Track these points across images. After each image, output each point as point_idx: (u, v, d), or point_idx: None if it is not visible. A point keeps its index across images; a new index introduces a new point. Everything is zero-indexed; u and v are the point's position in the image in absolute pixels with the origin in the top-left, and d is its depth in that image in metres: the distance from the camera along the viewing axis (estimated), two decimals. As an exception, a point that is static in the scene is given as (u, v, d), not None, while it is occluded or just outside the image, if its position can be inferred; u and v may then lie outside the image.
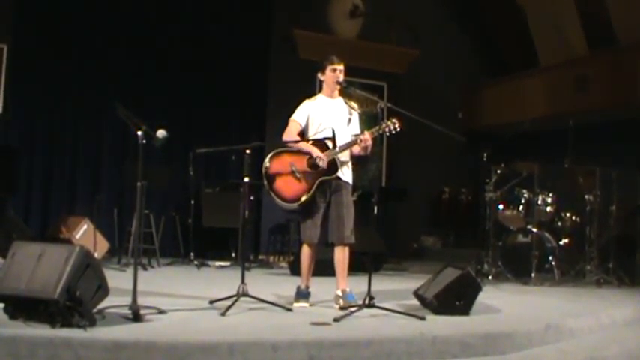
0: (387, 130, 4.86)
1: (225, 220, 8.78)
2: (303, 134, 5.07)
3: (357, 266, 5.37)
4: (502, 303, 5.34)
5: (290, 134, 5.01)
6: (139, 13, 9.63)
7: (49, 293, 3.48)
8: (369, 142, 4.84)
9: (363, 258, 5.97)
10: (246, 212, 5.14)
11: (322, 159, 4.81)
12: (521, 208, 7.79)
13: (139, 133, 4.16)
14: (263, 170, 4.89)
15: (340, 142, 4.89)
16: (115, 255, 8.31)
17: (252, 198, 8.32)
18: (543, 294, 6.42)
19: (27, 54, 8.95)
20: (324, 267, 5.36)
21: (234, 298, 4.50)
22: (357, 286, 4.95)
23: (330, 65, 5.02)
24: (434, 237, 11.78)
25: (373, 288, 4.50)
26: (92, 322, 3.56)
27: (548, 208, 7.76)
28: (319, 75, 5.12)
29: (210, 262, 8.53)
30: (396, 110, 4.94)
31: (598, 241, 7.66)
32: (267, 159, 4.91)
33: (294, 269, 7.18)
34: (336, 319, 4.16)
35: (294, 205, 4.85)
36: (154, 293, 5.06)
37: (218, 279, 7.00)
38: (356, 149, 4.96)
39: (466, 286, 4.69)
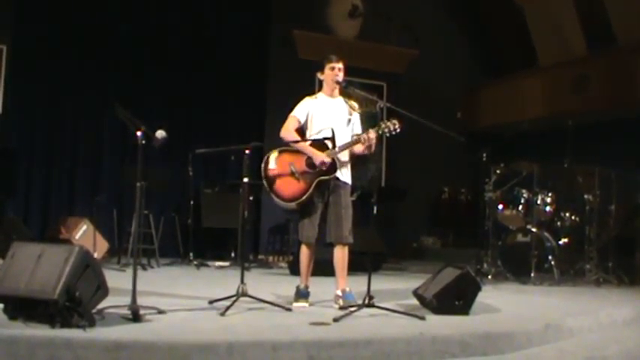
0: (386, 130, 4.86)
1: (225, 220, 8.78)
2: (301, 131, 5.07)
3: (356, 266, 5.37)
4: (502, 303, 5.34)
5: (288, 131, 5.00)
6: (139, 13, 9.64)
7: (48, 294, 3.48)
8: (373, 141, 4.83)
9: (363, 258, 5.97)
10: (246, 212, 5.13)
11: (325, 163, 4.81)
12: (520, 207, 7.79)
13: (139, 133, 4.15)
14: (262, 170, 4.89)
15: (339, 141, 4.89)
16: (115, 255, 8.31)
17: (251, 198, 8.32)
18: (543, 293, 6.43)
19: (27, 54, 8.96)
20: (323, 267, 5.36)
21: (234, 298, 4.50)
22: (357, 286, 4.94)
23: (329, 64, 5.02)
24: (433, 237, 11.79)
25: (373, 288, 4.50)
26: (91, 323, 3.56)
27: (548, 208, 7.76)
28: (319, 74, 5.12)
29: (209, 263, 8.53)
30: (395, 110, 4.93)
31: (597, 241, 7.66)
32: (265, 158, 4.91)
33: (294, 269, 7.17)
34: (335, 319, 4.15)
35: (293, 205, 4.86)
36: (153, 293, 5.05)
37: (217, 279, 7.00)
38: (359, 148, 4.95)
39: (466, 286, 4.69)
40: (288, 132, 5.00)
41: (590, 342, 4.44)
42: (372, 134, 4.82)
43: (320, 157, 4.83)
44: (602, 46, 10.27)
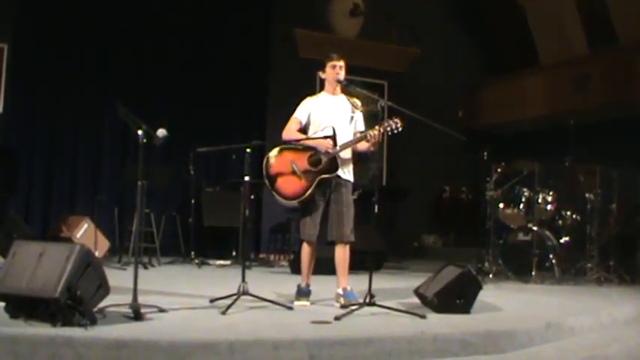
0: (389, 128, 4.86)
1: (226, 219, 8.79)
2: (303, 131, 5.07)
3: (357, 265, 5.37)
4: (503, 301, 5.34)
5: (290, 131, 5.01)
6: (139, 13, 9.63)
7: (49, 292, 3.48)
8: (379, 138, 4.83)
9: (364, 257, 5.97)
10: (247, 211, 5.13)
11: (330, 151, 4.81)
12: (521, 206, 7.79)
13: (140, 132, 4.15)
14: (264, 168, 4.89)
15: (342, 139, 4.89)
16: (116, 254, 8.32)
17: (252, 197, 8.32)
18: (544, 292, 6.42)
19: (27, 54, 8.96)
20: (324, 265, 5.36)
21: (235, 296, 4.50)
22: (358, 284, 4.95)
23: (330, 62, 5.02)
24: (434, 236, 11.79)
25: (374, 286, 4.51)
26: (93, 321, 3.56)
27: (549, 207, 7.76)
28: (320, 73, 5.12)
29: (210, 261, 8.54)
30: (396, 109, 4.93)
31: (599, 240, 7.66)
32: (267, 156, 4.92)
33: (295, 268, 7.18)
34: (336, 318, 4.16)
35: (294, 202, 4.86)
36: (154, 292, 5.07)
37: (219, 278, 7.01)
38: (364, 145, 4.95)
39: (467, 285, 4.69)
40: (290, 133, 5.01)
41: (591, 341, 4.43)
42: (377, 131, 4.82)
43: (324, 145, 4.83)
44: (603, 45, 10.26)
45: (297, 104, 5.12)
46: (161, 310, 4.15)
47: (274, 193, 4.87)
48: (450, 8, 12.31)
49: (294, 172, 4.84)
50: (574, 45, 10.69)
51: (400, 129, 4.87)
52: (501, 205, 7.91)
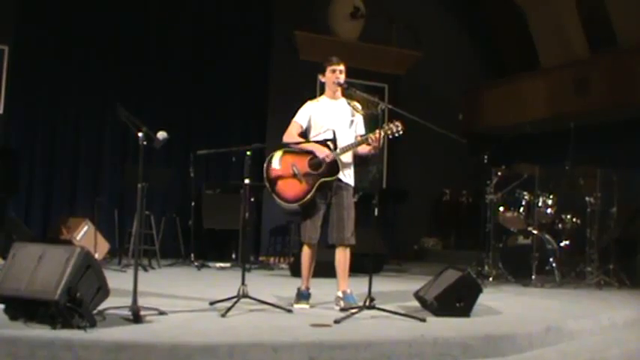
0: (389, 132, 4.86)
1: (226, 221, 8.79)
2: (304, 136, 5.07)
3: (357, 268, 5.36)
4: (503, 305, 5.34)
5: (290, 135, 5.02)
6: (139, 13, 9.65)
7: (49, 294, 3.49)
8: (381, 141, 4.84)
9: (364, 259, 5.96)
10: (247, 214, 5.13)
11: (328, 156, 4.81)
12: (521, 209, 7.79)
13: (140, 134, 4.15)
14: (264, 171, 4.89)
15: (342, 143, 4.89)
16: (116, 256, 8.32)
17: (252, 199, 8.32)
18: (544, 296, 6.42)
19: (28, 55, 8.97)
20: (324, 268, 5.35)
21: (235, 299, 4.50)
22: (358, 287, 4.94)
23: (330, 66, 5.02)
24: (434, 239, 11.79)
25: (374, 289, 4.50)
26: (92, 324, 3.56)
27: (549, 210, 7.75)
28: (320, 77, 5.12)
29: (210, 264, 8.53)
30: (397, 112, 4.93)
31: (599, 243, 7.64)
32: (268, 159, 4.92)
33: (295, 270, 7.18)
34: (336, 321, 4.15)
35: (295, 205, 4.86)
36: (154, 294, 5.06)
37: (218, 280, 7.00)
38: (364, 149, 4.95)
39: (467, 288, 4.69)
40: (290, 136, 5.02)
41: (591, 344, 4.44)
42: (377, 135, 4.81)
43: (323, 151, 4.83)
44: (603, 47, 10.26)
45: (298, 107, 5.12)
46: (161, 313, 4.14)
47: (275, 196, 4.87)
48: (451, 11, 12.31)
49: (294, 175, 4.84)
50: (574, 47, 10.70)
51: (401, 132, 4.87)
52: (501, 209, 7.90)
